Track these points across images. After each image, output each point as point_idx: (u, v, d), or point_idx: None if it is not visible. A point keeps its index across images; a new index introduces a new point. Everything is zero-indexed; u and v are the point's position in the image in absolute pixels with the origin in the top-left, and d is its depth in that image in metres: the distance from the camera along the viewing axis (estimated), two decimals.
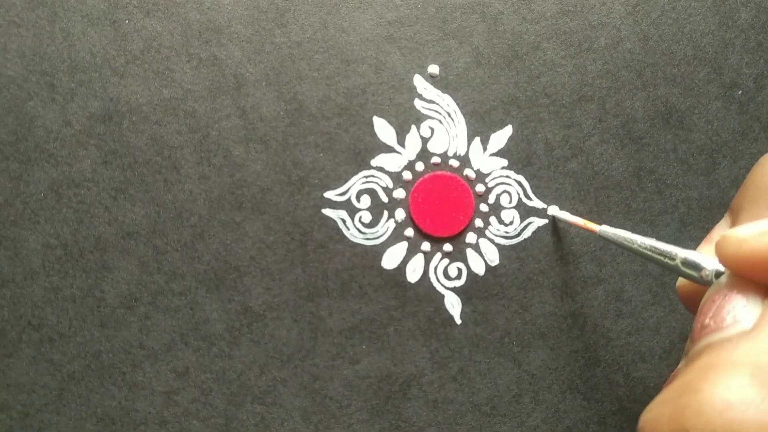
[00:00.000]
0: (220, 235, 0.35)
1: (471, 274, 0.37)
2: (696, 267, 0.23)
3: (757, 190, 0.23)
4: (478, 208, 0.37)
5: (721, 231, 0.25)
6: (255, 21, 0.36)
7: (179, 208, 0.35)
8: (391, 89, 0.37)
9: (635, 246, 0.28)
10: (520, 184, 0.37)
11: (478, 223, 0.37)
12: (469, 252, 0.37)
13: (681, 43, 0.38)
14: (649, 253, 0.27)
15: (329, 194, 0.36)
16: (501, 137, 0.37)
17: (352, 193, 0.36)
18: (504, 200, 0.37)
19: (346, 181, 0.36)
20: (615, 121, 0.38)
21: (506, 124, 0.37)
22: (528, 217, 0.37)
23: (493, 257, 0.37)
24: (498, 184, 0.37)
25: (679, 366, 0.22)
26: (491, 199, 0.37)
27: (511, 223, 0.37)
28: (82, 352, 0.34)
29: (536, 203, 0.37)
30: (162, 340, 0.35)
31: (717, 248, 0.19)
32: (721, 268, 0.21)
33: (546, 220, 0.37)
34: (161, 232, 0.35)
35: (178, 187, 0.35)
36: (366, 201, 0.36)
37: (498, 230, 0.37)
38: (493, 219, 0.37)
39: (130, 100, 0.35)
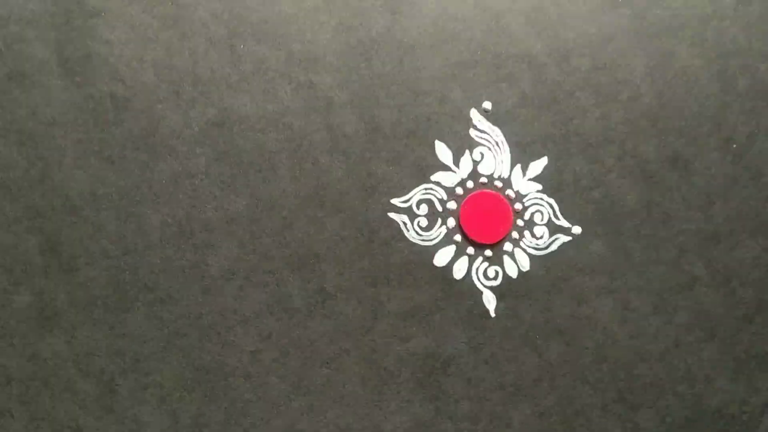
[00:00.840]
0: (304, 227, 0.42)
1: (506, 276, 0.44)
2: None
3: None
4: (516, 222, 0.45)
5: None
6: (345, 54, 0.43)
7: (273, 202, 0.42)
8: (451, 119, 0.44)
9: None
10: (551, 205, 0.45)
11: (515, 235, 0.45)
12: (506, 258, 0.44)
13: (689, 101, 0.46)
14: None
15: (395, 201, 0.43)
16: (538, 166, 0.45)
17: (413, 202, 0.44)
18: (537, 218, 0.45)
19: (409, 191, 0.44)
20: (631, 161, 0.45)
21: (543, 156, 0.45)
22: (555, 234, 0.45)
23: (525, 264, 0.45)
24: (533, 204, 0.45)
25: None
26: (526, 216, 0.45)
27: (542, 237, 0.45)
28: (186, 313, 0.41)
29: (563, 223, 0.45)
30: (252, 308, 0.42)
31: None
32: None
33: (570, 238, 0.45)
34: (257, 220, 0.42)
35: (273, 185, 0.42)
36: (424, 209, 0.44)
37: (530, 242, 0.45)
38: (527, 233, 0.45)
39: (240, 111, 0.42)
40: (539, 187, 0.45)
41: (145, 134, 0.41)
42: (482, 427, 0.43)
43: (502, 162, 0.45)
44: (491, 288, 0.44)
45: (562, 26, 0.45)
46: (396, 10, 0.44)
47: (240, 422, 0.41)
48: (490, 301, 0.44)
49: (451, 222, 0.44)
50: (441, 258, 0.44)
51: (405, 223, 0.43)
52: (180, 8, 0.42)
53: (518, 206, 0.45)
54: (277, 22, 0.43)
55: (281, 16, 0.43)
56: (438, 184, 0.44)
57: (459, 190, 0.44)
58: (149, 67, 0.42)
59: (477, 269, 0.44)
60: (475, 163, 0.44)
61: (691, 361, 0.45)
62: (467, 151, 0.44)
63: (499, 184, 0.45)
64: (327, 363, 0.42)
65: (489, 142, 0.44)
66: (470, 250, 0.44)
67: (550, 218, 0.45)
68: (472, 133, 0.44)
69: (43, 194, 0.40)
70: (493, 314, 0.44)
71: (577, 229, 0.45)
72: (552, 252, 0.45)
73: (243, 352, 0.41)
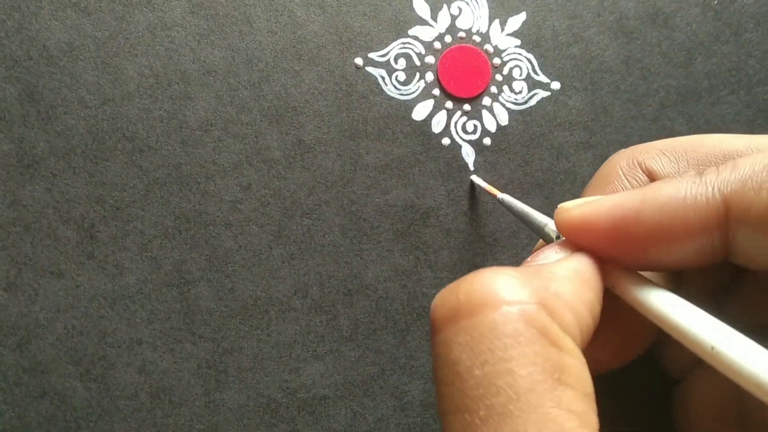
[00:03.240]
0: (282, 80, 0.43)
1: (485, 130, 0.45)
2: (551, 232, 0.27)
3: (598, 177, 0.26)
4: (494, 77, 0.45)
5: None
6: None
7: (250, 54, 0.42)
8: None
9: (520, 212, 0.33)
10: (529, 61, 0.45)
11: (493, 89, 0.45)
12: (484, 112, 0.45)
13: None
14: (529, 220, 0.30)
15: (372, 55, 0.44)
16: (516, 21, 0.45)
17: (391, 56, 0.44)
18: (515, 73, 0.45)
19: (386, 45, 0.44)
20: (611, 17, 0.45)
21: (521, 11, 0.45)
22: (534, 89, 0.45)
23: (504, 118, 0.45)
24: (511, 59, 0.45)
25: None
26: (505, 71, 0.45)
27: (521, 92, 0.45)
28: (165, 163, 0.41)
29: (542, 78, 0.45)
30: (231, 159, 0.42)
31: (554, 215, 0.24)
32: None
33: (549, 93, 0.45)
34: (234, 72, 0.42)
35: (250, 38, 0.42)
36: (402, 63, 0.44)
37: (509, 97, 0.45)
38: (505, 87, 0.45)
39: None
40: (518, 42, 0.45)
41: None
42: (461, 276, 0.43)
43: (480, 17, 0.45)
44: (470, 142, 0.44)
45: None
46: None
47: (222, 269, 0.41)
48: (468, 154, 0.44)
49: (430, 76, 0.44)
50: (419, 112, 0.44)
51: (383, 78, 0.43)
52: None
53: (497, 61, 0.45)
54: None
55: None
56: (416, 38, 0.44)
57: (437, 45, 0.44)
58: None
59: (455, 123, 0.44)
60: (453, 17, 0.44)
61: None
62: (445, 5, 0.44)
63: (477, 38, 0.45)
64: (307, 213, 0.42)
65: None
66: (449, 104, 0.44)
67: (528, 73, 0.45)
68: None
69: (21, 44, 0.40)
70: (471, 168, 0.44)
71: (556, 84, 0.45)
72: (531, 107, 0.45)
73: (223, 201, 0.42)
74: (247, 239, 0.42)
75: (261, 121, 0.42)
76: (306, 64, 0.43)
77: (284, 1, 0.43)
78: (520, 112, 0.45)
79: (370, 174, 0.43)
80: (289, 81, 0.43)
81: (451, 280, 0.43)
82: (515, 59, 0.45)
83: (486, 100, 0.45)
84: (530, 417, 0.16)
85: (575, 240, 0.23)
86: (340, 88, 0.43)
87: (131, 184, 0.41)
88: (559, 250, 0.23)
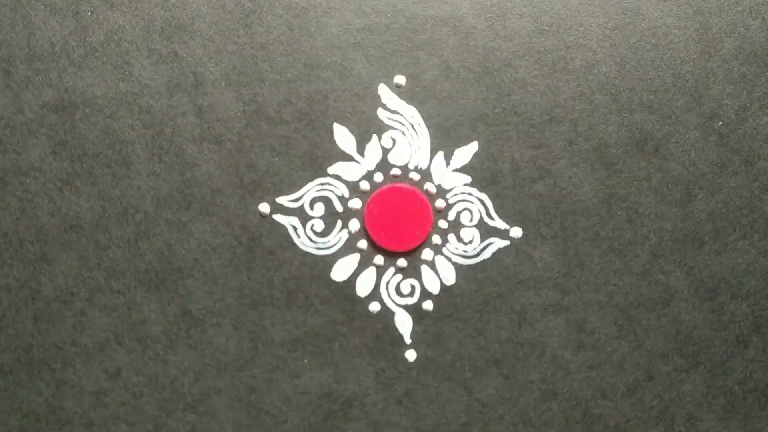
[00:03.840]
0: (164, 235, 0.34)
1: (425, 292, 0.36)
2: None
3: None
4: (437, 224, 0.36)
5: None
6: (219, 20, 0.35)
7: (125, 204, 0.34)
8: (354, 97, 0.36)
9: None
10: (482, 202, 0.36)
11: (436, 239, 0.36)
12: (424, 269, 0.36)
13: (660, 69, 0.37)
14: None
15: (282, 199, 0.35)
16: (466, 153, 0.36)
17: (306, 200, 0.35)
18: (465, 218, 0.36)
19: (300, 187, 0.36)
20: (586, 145, 0.37)
21: (472, 140, 0.36)
22: (489, 237, 0.36)
23: (450, 276, 0.36)
24: (459, 201, 0.36)
25: None
26: (451, 216, 0.36)
27: (471, 242, 0.36)
28: (12, 345, 0.33)
29: (498, 224, 0.36)
30: (96, 338, 0.34)
31: None
32: None
33: (508, 242, 0.36)
34: (105, 227, 0.34)
35: (126, 183, 0.34)
36: (320, 209, 0.36)
37: (456, 248, 0.36)
38: (452, 236, 0.36)
39: (85, 92, 0.35)
40: (468, 179, 0.36)
41: None
42: None
43: (419, 149, 0.36)
44: (406, 307, 0.36)
45: None
46: None
47: None
48: (404, 323, 0.36)
49: (354, 225, 0.36)
50: (341, 271, 0.35)
51: (295, 228, 0.35)
52: None
53: (440, 204, 0.36)
54: None
55: None
56: (337, 177, 0.36)
57: (364, 185, 0.36)
58: None
59: (387, 284, 0.36)
60: (385, 150, 0.36)
61: (668, 397, 0.36)
62: (375, 137, 0.36)
63: (415, 176, 0.36)
64: (192, 406, 0.34)
65: (402, 124, 0.36)
66: (378, 259, 0.36)
67: (481, 218, 0.36)
68: (381, 113, 0.36)
69: None
70: (408, 340, 0.35)
71: (516, 231, 0.36)
72: (484, 260, 0.36)
73: (84, 393, 0.33)
74: None
75: (136, 287, 0.34)
76: (196, 213, 0.35)
77: (171, 135, 0.35)
78: (471, 267, 0.36)
79: (276, 352, 0.35)
80: (174, 236, 0.34)
81: None
82: (464, 201, 0.36)
83: (427, 254, 0.36)
84: None
85: None
86: (239, 242, 0.35)
87: None
88: None
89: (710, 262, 0.37)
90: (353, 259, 0.36)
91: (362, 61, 0.36)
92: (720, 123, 0.37)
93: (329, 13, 0.36)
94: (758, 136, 0.37)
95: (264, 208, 0.35)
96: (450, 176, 0.36)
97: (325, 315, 0.35)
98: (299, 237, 0.35)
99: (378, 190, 0.36)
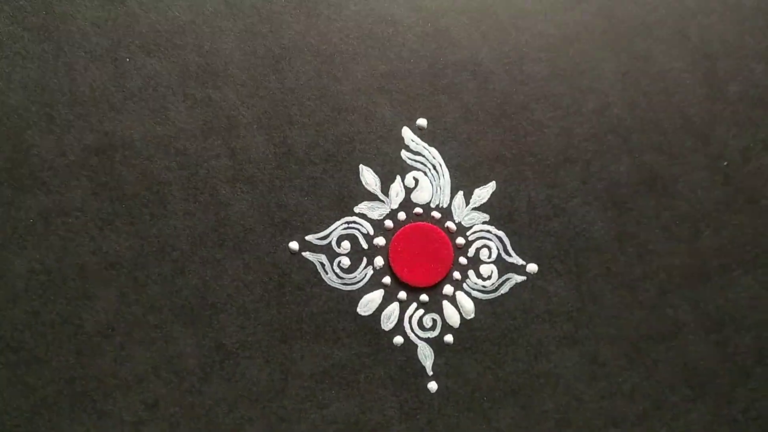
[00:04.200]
0: (199, 272, 0.36)
1: (446, 325, 0.37)
2: None
3: None
4: (457, 260, 0.38)
5: None
6: (251, 66, 0.37)
7: (162, 242, 0.36)
8: (379, 139, 0.37)
9: None
10: (500, 239, 0.38)
11: (456, 275, 0.37)
12: (445, 304, 0.37)
13: (669, 111, 0.39)
14: None
15: (310, 237, 0.37)
16: (484, 192, 0.38)
17: (333, 238, 0.37)
18: (483, 254, 0.38)
19: (328, 225, 0.37)
20: (599, 185, 0.38)
21: (490, 180, 0.38)
22: (506, 273, 0.38)
23: (469, 310, 0.37)
24: (478, 238, 0.38)
25: None
26: (471, 253, 0.38)
27: (489, 277, 0.38)
28: (56, 378, 0.35)
29: (515, 260, 0.38)
30: (135, 371, 0.35)
31: None
32: None
33: (524, 277, 0.38)
34: (143, 264, 0.36)
35: (163, 222, 0.36)
36: (346, 246, 0.37)
37: (476, 284, 0.37)
38: (471, 272, 0.38)
39: (124, 135, 0.36)
40: (486, 217, 0.38)
41: (11, 165, 0.35)
42: None
43: (440, 189, 0.38)
44: (428, 340, 0.37)
45: (512, 27, 0.38)
46: (312, 12, 0.37)
47: None
48: (426, 356, 0.37)
49: (379, 261, 0.37)
50: (366, 305, 0.37)
51: (322, 264, 0.37)
52: (55, 18, 0.36)
53: (460, 241, 0.38)
54: (171, 31, 0.36)
55: (175, 23, 0.36)
56: (363, 216, 0.37)
57: (388, 224, 0.37)
58: (18, 87, 0.36)
59: (410, 318, 0.37)
60: (408, 190, 0.38)
61: (675, 426, 0.38)
62: (398, 177, 0.37)
63: (437, 215, 0.38)
64: None
65: (425, 165, 0.38)
66: (402, 294, 0.37)
67: (499, 254, 0.38)
68: (404, 155, 0.37)
69: None
70: (430, 372, 0.37)
71: (532, 267, 0.38)
72: (502, 295, 0.38)
73: (124, 423, 0.35)
74: None
75: (173, 322, 0.35)
76: (230, 251, 0.36)
77: (205, 176, 0.36)
78: (490, 302, 0.37)
79: (305, 384, 0.36)
80: (208, 272, 0.36)
81: None
82: (483, 238, 0.38)
83: (447, 289, 0.37)
84: None
85: None
86: (270, 278, 0.36)
87: (14, 405, 0.34)
88: None
89: (716, 296, 0.38)
90: (378, 295, 0.37)
91: (386, 104, 0.38)
92: (726, 163, 0.39)
93: (355, 59, 0.37)
94: (762, 176, 0.39)
95: (293, 245, 0.36)
96: (469, 214, 0.38)
97: (351, 348, 0.36)
98: (327, 273, 0.37)
99: (401, 229, 0.37)
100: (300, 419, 0.36)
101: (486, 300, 0.38)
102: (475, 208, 0.38)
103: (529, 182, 0.38)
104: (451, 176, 0.38)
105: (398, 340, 0.37)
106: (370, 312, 0.37)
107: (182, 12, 0.37)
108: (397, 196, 0.37)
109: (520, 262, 0.38)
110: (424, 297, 0.37)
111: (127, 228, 0.36)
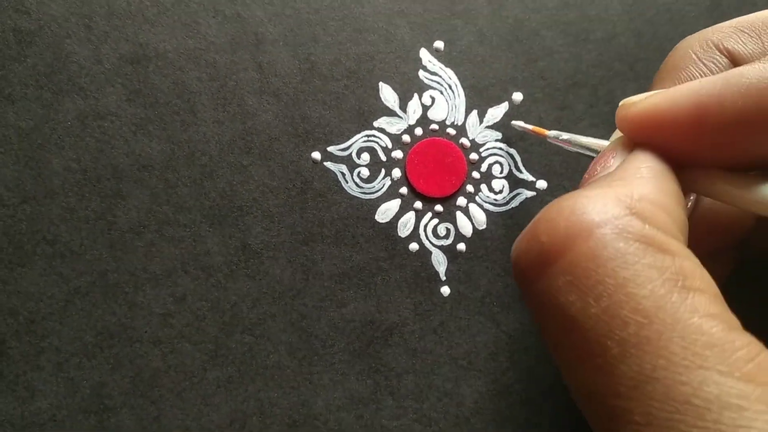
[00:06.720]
0: (227, 176, 0.38)
1: (459, 235, 0.39)
2: None
3: (665, 68, 0.26)
4: (471, 174, 0.40)
5: None
6: None
7: (192, 147, 0.38)
8: (397, 59, 0.39)
9: (580, 144, 0.31)
10: (512, 156, 0.40)
11: (469, 188, 0.39)
12: (459, 214, 0.39)
13: (673, 41, 0.40)
14: (589, 152, 0.30)
15: (332, 148, 0.39)
16: (497, 112, 0.40)
17: (354, 150, 0.39)
18: (495, 170, 0.40)
19: (348, 138, 0.39)
20: (605, 108, 0.40)
21: (503, 101, 0.40)
22: (517, 188, 0.40)
23: (481, 221, 0.39)
24: (491, 155, 0.40)
25: None
26: (483, 168, 0.40)
27: (501, 191, 0.40)
28: (89, 270, 0.36)
29: (526, 176, 0.40)
30: (164, 266, 0.37)
31: (617, 113, 0.22)
32: None
33: (534, 193, 0.40)
34: (173, 167, 0.37)
35: (193, 129, 0.38)
36: (366, 158, 0.39)
37: (488, 197, 0.39)
38: (483, 186, 0.40)
39: (158, 47, 0.38)
40: (498, 135, 0.40)
41: (51, 71, 0.37)
42: (429, 405, 0.37)
43: (455, 107, 0.40)
44: (442, 248, 0.39)
45: None
46: None
47: (147, 394, 0.36)
48: (440, 262, 0.39)
49: (397, 173, 0.39)
50: (384, 213, 0.39)
51: (343, 174, 0.38)
52: None
53: (474, 156, 0.39)
54: None
55: None
56: (382, 130, 0.39)
57: (406, 138, 0.39)
58: None
59: (425, 226, 0.39)
60: (425, 107, 0.39)
61: None
62: (416, 95, 0.39)
63: (452, 131, 0.40)
64: (249, 329, 0.37)
65: (441, 85, 0.39)
66: (418, 204, 0.39)
67: (510, 170, 0.40)
68: (422, 75, 0.39)
69: None
70: (443, 277, 0.38)
71: (542, 183, 0.40)
72: (513, 208, 0.39)
73: (152, 314, 0.36)
74: (177, 359, 0.36)
75: (201, 222, 0.37)
76: (256, 158, 0.38)
77: (234, 88, 0.38)
78: (501, 214, 0.39)
79: (325, 284, 0.38)
80: (235, 177, 0.38)
81: (416, 410, 0.38)
82: (495, 154, 0.40)
83: (461, 201, 0.39)
84: (672, 336, 0.15)
85: (643, 138, 0.21)
86: (293, 185, 0.38)
87: (49, 294, 0.36)
88: (617, 154, 0.22)
89: None
90: (395, 204, 0.39)
91: (405, 27, 0.40)
92: None
93: None
94: None
95: (316, 155, 0.38)
96: (483, 132, 0.40)
97: (369, 252, 0.38)
98: (347, 182, 0.39)
99: (418, 143, 0.39)
100: (320, 317, 0.37)
101: (497, 212, 0.39)
102: (488, 127, 0.40)
103: (539, 104, 0.40)
104: (466, 96, 0.40)
105: (414, 246, 0.39)
106: (387, 219, 0.39)
107: None
108: (414, 112, 0.39)
109: (531, 178, 0.40)
110: (438, 207, 0.39)
111: (159, 133, 0.38)
